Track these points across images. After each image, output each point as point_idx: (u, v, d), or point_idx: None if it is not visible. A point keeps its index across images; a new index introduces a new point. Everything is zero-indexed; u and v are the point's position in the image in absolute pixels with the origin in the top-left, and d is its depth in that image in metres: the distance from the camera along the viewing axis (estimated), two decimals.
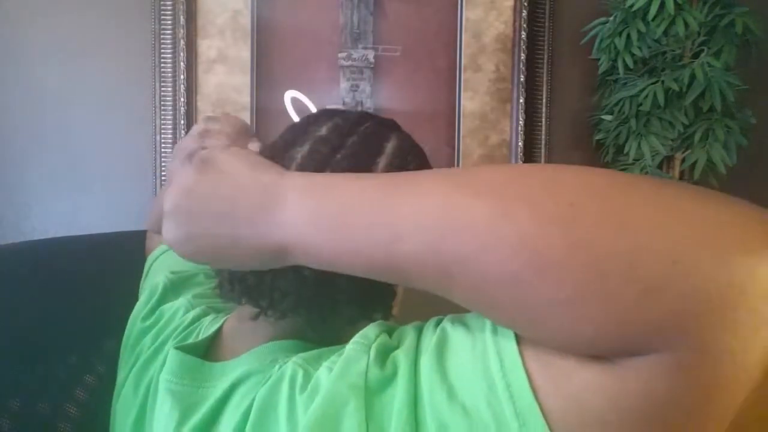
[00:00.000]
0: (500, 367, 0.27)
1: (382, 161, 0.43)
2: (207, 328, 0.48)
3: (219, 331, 0.47)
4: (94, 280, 0.65)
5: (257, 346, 0.41)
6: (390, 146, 0.44)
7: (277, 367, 0.37)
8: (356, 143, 0.42)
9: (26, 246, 0.69)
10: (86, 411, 0.56)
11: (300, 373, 0.34)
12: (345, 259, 0.30)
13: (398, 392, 0.29)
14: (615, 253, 0.23)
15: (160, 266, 0.63)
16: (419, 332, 0.33)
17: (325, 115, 0.46)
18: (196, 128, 0.52)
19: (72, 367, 0.58)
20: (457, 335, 0.30)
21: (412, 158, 0.45)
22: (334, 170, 0.40)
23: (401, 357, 0.31)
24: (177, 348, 0.43)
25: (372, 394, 0.30)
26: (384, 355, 0.32)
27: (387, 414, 0.29)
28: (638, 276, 0.22)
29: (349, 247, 0.30)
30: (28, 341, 0.55)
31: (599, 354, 0.24)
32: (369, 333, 0.35)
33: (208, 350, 0.45)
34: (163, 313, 0.53)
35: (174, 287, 0.57)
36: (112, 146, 1.23)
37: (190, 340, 0.46)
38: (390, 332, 0.35)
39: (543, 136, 1.34)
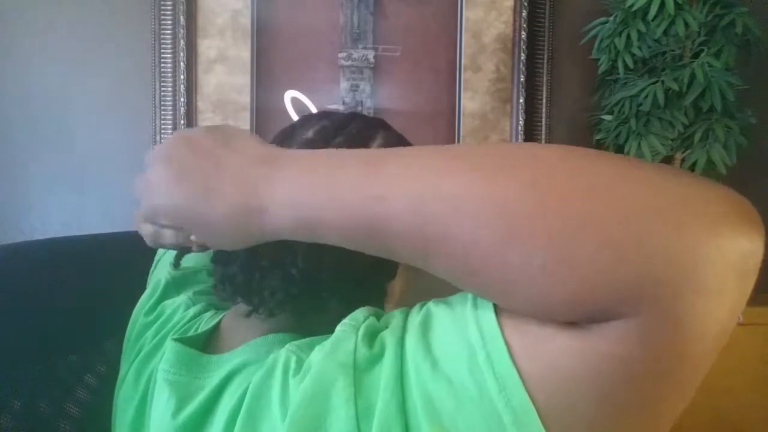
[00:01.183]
0: (480, 337, 0.28)
1: None
2: (207, 323, 0.49)
3: (218, 325, 0.48)
4: (94, 279, 0.65)
5: (254, 338, 0.42)
6: (375, 145, 0.45)
7: (271, 356, 0.37)
8: (341, 144, 0.43)
9: (26, 246, 0.69)
10: (87, 410, 0.56)
11: (293, 359, 0.35)
12: (328, 216, 0.30)
13: (385, 369, 0.30)
14: (586, 221, 0.24)
15: (170, 257, 0.64)
16: (406, 314, 0.34)
17: (313, 118, 0.47)
18: None
19: (72, 366, 0.58)
20: (440, 312, 0.31)
21: None
22: None
23: (388, 336, 0.32)
24: (175, 340, 0.43)
25: (360, 372, 0.31)
26: (372, 335, 0.33)
27: (375, 390, 0.30)
28: (607, 244, 0.24)
29: (334, 204, 0.30)
30: (28, 341, 0.56)
31: (572, 320, 0.26)
32: (358, 315, 0.36)
33: (207, 343, 0.46)
34: (165, 309, 0.54)
35: (176, 284, 0.58)
36: (112, 146, 1.23)
37: (190, 334, 0.47)
38: (378, 316, 0.36)
39: (543, 136, 1.34)
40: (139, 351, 0.50)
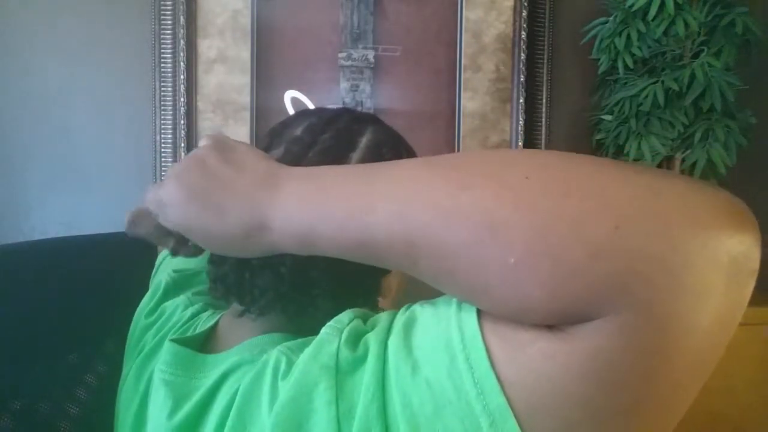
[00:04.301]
0: (461, 340, 0.28)
1: (355, 156, 0.43)
2: (205, 322, 0.49)
3: (215, 325, 0.48)
4: (94, 280, 0.65)
5: (249, 338, 0.42)
6: (364, 141, 0.44)
7: (264, 356, 0.37)
8: (328, 140, 0.43)
9: (26, 246, 0.69)
10: (87, 410, 0.56)
11: (283, 361, 0.35)
12: (323, 232, 0.32)
13: (367, 371, 0.30)
14: (560, 217, 0.24)
15: (171, 262, 0.64)
16: (393, 316, 0.34)
17: (301, 115, 0.47)
18: None
19: (72, 366, 0.58)
20: (424, 314, 0.32)
21: (387, 151, 0.45)
22: None
23: (372, 338, 0.32)
24: (173, 340, 0.43)
25: (343, 374, 0.31)
26: (356, 337, 0.33)
27: (357, 392, 0.30)
28: (582, 239, 0.24)
29: (327, 221, 0.32)
30: (28, 341, 0.56)
31: (551, 322, 0.25)
32: (343, 318, 0.36)
33: (205, 343, 0.46)
34: (165, 310, 0.54)
35: (176, 285, 0.58)
36: (112, 146, 1.23)
37: (188, 334, 0.47)
38: (365, 318, 0.36)
39: (543, 136, 1.34)
40: (140, 352, 0.51)
